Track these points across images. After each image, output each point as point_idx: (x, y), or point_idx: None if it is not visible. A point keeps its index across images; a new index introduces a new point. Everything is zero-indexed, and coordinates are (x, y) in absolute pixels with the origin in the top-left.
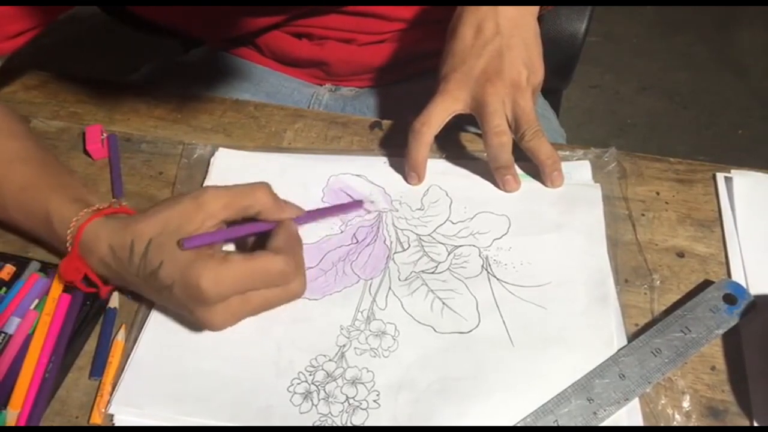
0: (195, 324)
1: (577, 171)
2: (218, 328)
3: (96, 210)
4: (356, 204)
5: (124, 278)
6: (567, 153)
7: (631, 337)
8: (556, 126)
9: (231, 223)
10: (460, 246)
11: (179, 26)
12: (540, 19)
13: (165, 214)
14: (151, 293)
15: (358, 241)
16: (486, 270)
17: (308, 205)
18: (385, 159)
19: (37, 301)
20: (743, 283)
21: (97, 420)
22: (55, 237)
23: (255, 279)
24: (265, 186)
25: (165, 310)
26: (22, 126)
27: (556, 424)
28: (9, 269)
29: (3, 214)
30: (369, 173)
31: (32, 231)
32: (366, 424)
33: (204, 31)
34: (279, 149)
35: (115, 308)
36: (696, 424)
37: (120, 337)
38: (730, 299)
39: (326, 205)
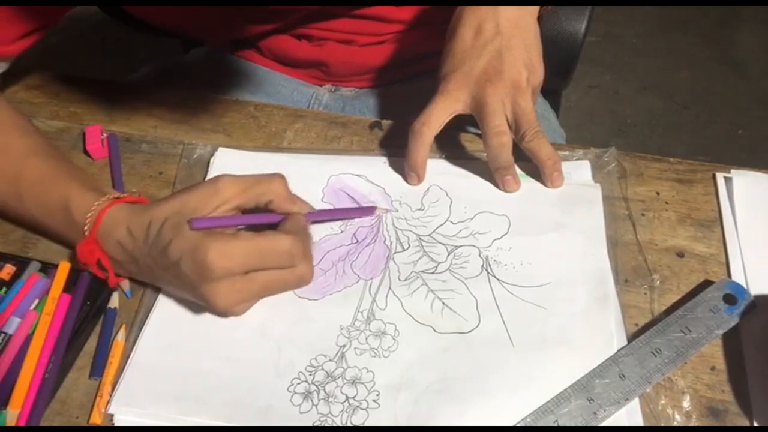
0: (200, 305)
1: (577, 171)
2: (222, 306)
3: (116, 197)
4: (369, 210)
5: (136, 260)
6: (567, 153)
7: (632, 337)
8: (555, 126)
9: (245, 212)
10: (460, 246)
11: (180, 29)
12: (540, 19)
13: (182, 197)
14: (160, 275)
15: (358, 241)
16: (486, 270)
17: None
18: (385, 159)
19: (37, 301)
20: (743, 283)
21: (97, 420)
22: (70, 224)
23: (262, 256)
24: (280, 177)
25: (165, 310)
26: (28, 122)
27: (556, 424)
28: (9, 269)
29: (18, 207)
30: (369, 173)
31: (48, 221)
32: (366, 424)
33: (204, 33)
34: (279, 149)
35: (115, 308)
36: (696, 424)
37: (120, 337)
38: (730, 299)
39: (327, 205)
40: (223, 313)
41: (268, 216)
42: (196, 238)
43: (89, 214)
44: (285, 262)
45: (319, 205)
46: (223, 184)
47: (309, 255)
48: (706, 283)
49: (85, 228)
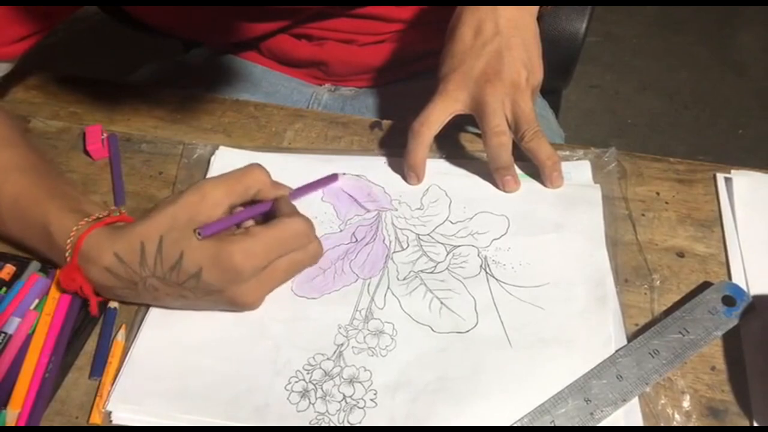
0: (225, 308)
1: (577, 171)
2: (251, 304)
3: (96, 219)
4: (332, 177)
5: (133, 284)
6: (567, 153)
7: (631, 337)
8: (555, 126)
9: (232, 209)
10: (459, 246)
11: (179, 30)
12: (539, 19)
13: (169, 210)
14: (168, 292)
15: (357, 240)
16: (484, 270)
17: (308, 205)
18: (384, 159)
19: (37, 301)
20: (743, 284)
21: (97, 420)
22: (53, 248)
23: (282, 244)
24: (258, 165)
25: (164, 308)
26: (17, 132)
27: (552, 425)
28: (9, 269)
29: (0, 227)
30: (369, 173)
31: (30, 242)
32: (363, 424)
33: (204, 35)
34: (279, 149)
35: (115, 308)
36: (696, 424)
37: (120, 337)
38: (728, 301)
39: (327, 204)
40: (248, 309)
41: (258, 207)
42: (212, 246)
43: (69, 240)
44: (302, 242)
45: (319, 205)
46: (208, 188)
47: (314, 231)
48: (706, 284)
49: (67, 254)
